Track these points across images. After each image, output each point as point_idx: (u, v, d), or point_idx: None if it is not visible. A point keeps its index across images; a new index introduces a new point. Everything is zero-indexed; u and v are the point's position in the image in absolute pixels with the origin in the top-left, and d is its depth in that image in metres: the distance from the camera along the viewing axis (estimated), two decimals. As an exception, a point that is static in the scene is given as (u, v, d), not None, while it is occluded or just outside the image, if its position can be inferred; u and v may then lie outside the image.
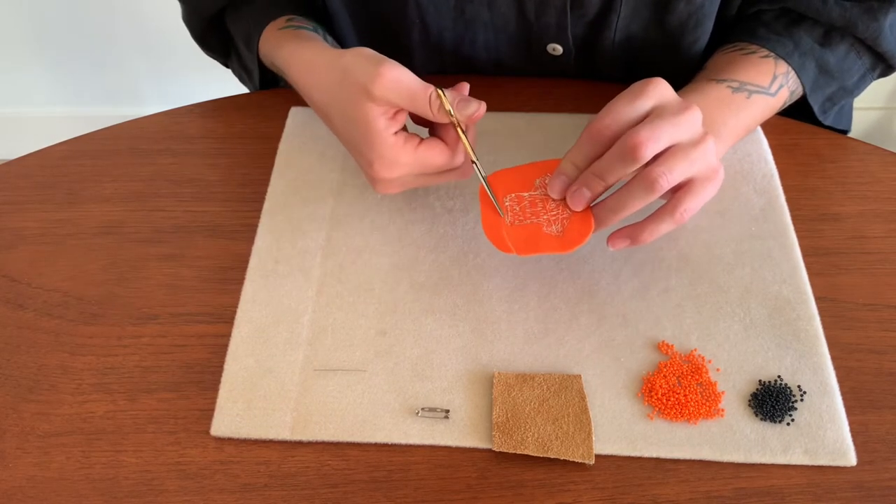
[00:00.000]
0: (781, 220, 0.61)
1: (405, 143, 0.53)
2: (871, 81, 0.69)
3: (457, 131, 0.53)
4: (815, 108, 0.68)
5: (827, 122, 0.70)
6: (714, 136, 0.57)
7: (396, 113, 0.53)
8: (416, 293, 0.57)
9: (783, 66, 0.64)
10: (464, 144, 0.53)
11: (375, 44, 0.58)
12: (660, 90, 0.52)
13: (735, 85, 0.61)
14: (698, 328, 0.55)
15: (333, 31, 0.72)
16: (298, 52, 0.61)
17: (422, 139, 0.54)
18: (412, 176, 0.55)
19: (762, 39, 0.64)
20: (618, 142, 0.50)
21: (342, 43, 0.73)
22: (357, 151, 0.55)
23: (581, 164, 0.52)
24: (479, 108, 0.53)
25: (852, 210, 0.63)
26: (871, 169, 0.66)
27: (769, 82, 0.63)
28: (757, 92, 0.62)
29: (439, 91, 0.52)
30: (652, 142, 0.49)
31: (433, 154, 0.54)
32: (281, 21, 0.68)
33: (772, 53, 0.63)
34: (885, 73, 0.69)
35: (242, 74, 0.78)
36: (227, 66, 0.81)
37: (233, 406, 0.51)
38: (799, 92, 0.66)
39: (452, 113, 0.52)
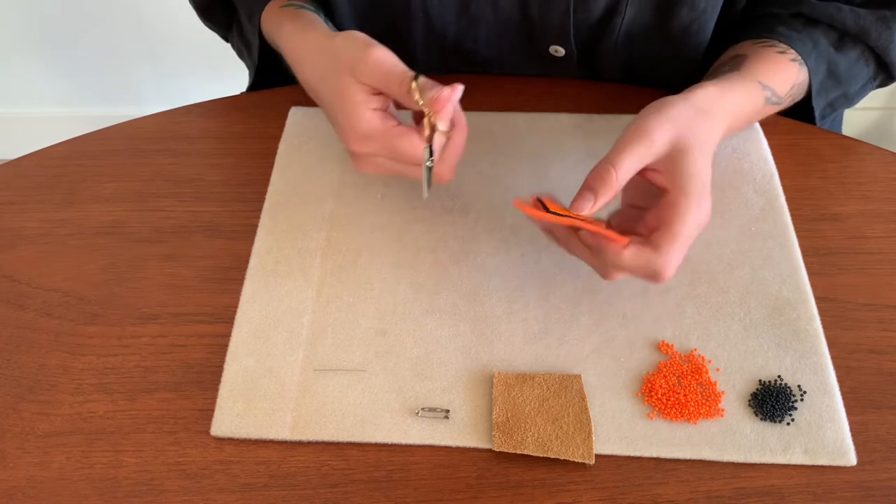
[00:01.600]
0: (781, 220, 0.61)
1: (381, 122, 0.53)
2: (870, 91, 0.70)
3: (423, 117, 0.52)
4: (816, 113, 0.68)
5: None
6: (724, 135, 0.57)
7: (379, 92, 0.54)
8: (416, 293, 0.57)
9: (802, 76, 0.64)
10: (424, 129, 0.52)
11: (377, 36, 0.58)
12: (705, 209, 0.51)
13: (773, 98, 0.62)
14: (698, 328, 0.55)
15: (334, 20, 0.72)
16: (297, 33, 0.62)
17: (401, 125, 0.54)
18: (385, 159, 0.55)
19: (784, 37, 0.64)
20: (645, 266, 0.50)
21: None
22: (337, 124, 0.56)
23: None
24: (443, 92, 0.51)
25: (852, 210, 0.63)
26: (871, 169, 0.66)
27: (786, 91, 0.63)
28: (776, 104, 0.63)
29: (414, 75, 0.52)
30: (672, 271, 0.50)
31: (405, 142, 0.53)
32: None
33: (799, 57, 0.63)
34: (883, 84, 0.70)
35: (242, 49, 0.78)
36: (226, 40, 0.81)
37: (233, 406, 0.51)
38: (799, 97, 0.66)
39: (419, 101, 0.51)
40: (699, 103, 0.54)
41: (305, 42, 0.60)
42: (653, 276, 0.50)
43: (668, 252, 0.49)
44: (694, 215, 0.50)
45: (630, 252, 0.49)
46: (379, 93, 0.54)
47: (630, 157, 0.50)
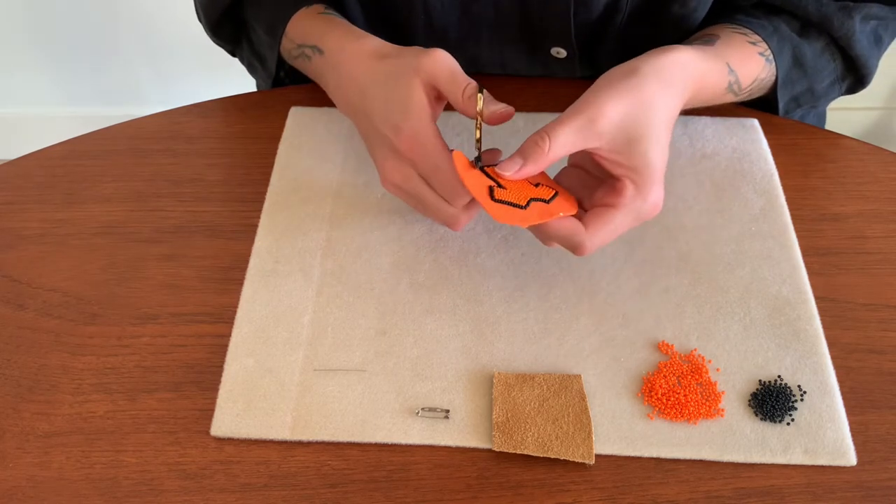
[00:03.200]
0: (781, 220, 0.61)
1: (437, 134, 0.54)
2: (839, 94, 0.69)
3: (477, 125, 0.53)
4: (780, 106, 0.68)
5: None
6: (682, 104, 0.56)
7: (436, 98, 0.54)
8: (416, 293, 0.57)
9: (767, 72, 0.64)
10: (476, 137, 0.53)
11: (382, 35, 0.58)
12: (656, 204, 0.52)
13: (735, 86, 0.61)
14: (698, 328, 0.55)
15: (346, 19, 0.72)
16: (351, 39, 0.61)
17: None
18: (416, 177, 0.55)
19: (744, 22, 0.64)
20: (568, 236, 0.51)
21: None
22: (385, 121, 0.54)
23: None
24: (505, 109, 0.53)
25: (852, 210, 0.63)
26: (871, 169, 0.66)
27: (748, 84, 0.63)
28: (735, 93, 0.63)
29: (480, 88, 0.52)
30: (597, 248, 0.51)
31: (448, 163, 0.53)
32: (318, 6, 0.67)
33: (767, 52, 0.63)
34: (852, 89, 0.69)
35: (253, 62, 0.77)
36: (233, 54, 0.80)
37: (233, 406, 0.51)
38: (758, 94, 0.66)
39: (480, 108, 0.52)
40: (665, 73, 0.53)
41: (362, 47, 0.59)
42: (573, 248, 0.51)
43: (593, 233, 0.50)
44: (636, 206, 0.51)
45: (556, 221, 0.50)
46: (437, 97, 0.54)
47: (568, 132, 0.50)
